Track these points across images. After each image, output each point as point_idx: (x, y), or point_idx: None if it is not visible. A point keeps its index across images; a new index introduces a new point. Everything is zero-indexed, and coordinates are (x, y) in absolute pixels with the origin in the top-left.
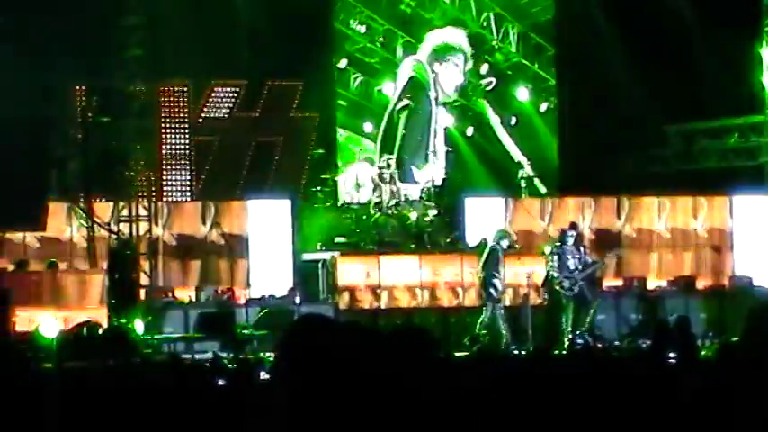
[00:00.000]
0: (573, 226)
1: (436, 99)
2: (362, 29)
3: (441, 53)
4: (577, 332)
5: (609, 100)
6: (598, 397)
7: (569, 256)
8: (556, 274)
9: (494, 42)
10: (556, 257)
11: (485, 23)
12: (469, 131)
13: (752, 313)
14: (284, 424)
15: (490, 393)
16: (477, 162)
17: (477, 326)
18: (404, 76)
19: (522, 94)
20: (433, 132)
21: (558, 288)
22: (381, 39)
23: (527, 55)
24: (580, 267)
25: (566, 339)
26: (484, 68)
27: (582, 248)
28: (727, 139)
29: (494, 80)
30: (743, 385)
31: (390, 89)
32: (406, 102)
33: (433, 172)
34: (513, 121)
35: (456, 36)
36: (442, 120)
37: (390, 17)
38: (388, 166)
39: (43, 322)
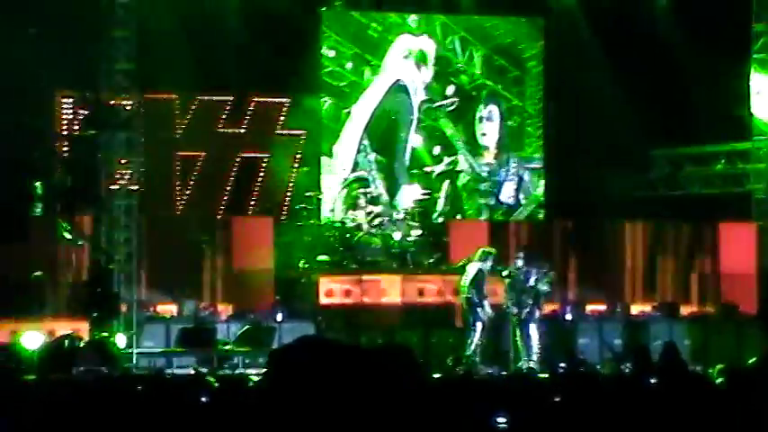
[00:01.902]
0: (524, 248)
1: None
2: (331, 53)
3: (418, 60)
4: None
5: (595, 124)
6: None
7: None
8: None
9: (458, 65)
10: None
11: (450, 46)
12: (436, 150)
13: None
14: None
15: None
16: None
17: (466, 347)
18: (389, 76)
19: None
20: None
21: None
22: (349, 63)
23: (491, 76)
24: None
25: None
26: (450, 90)
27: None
28: (714, 166)
29: (457, 101)
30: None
31: (358, 112)
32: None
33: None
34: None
35: (428, 46)
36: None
37: (356, 41)
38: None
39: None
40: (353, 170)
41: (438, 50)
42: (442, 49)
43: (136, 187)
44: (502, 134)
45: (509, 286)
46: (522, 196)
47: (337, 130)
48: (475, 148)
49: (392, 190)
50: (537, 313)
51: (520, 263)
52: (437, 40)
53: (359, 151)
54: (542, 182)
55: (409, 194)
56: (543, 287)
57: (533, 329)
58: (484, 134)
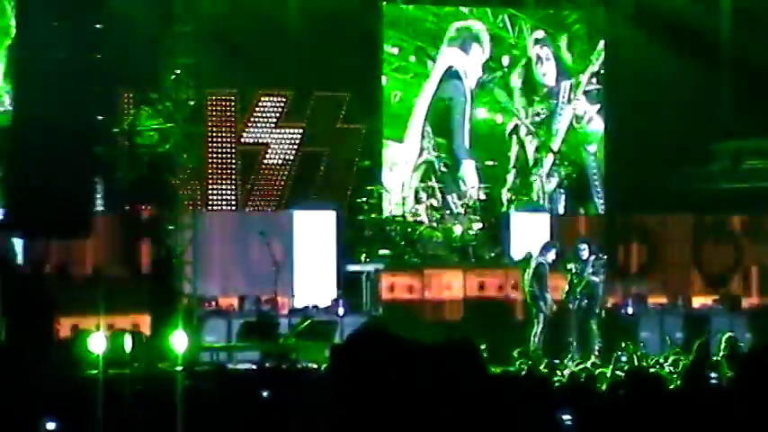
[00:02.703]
0: (583, 241)
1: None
2: (395, 50)
3: (469, 41)
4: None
5: (655, 117)
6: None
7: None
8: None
9: (510, 41)
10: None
11: (500, 24)
12: (499, 119)
13: None
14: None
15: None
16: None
17: (531, 341)
18: (443, 64)
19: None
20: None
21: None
22: (413, 56)
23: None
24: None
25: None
26: (505, 60)
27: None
28: None
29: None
30: None
31: (420, 102)
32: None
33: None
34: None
35: (478, 26)
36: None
37: (417, 35)
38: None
39: (93, 337)
40: (419, 155)
41: (489, 29)
42: (493, 27)
43: (197, 182)
44: (559, 69)
45: (570, 281)
46: None
47: (407, 120)
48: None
49: (455, 167)
50: (596, 307)
51: (585, 255)
52: (487, 21)
53: (422, 137)
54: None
55: (470, 171)
56: (594, 278)
57: (593, 324)
58: (544, 74)
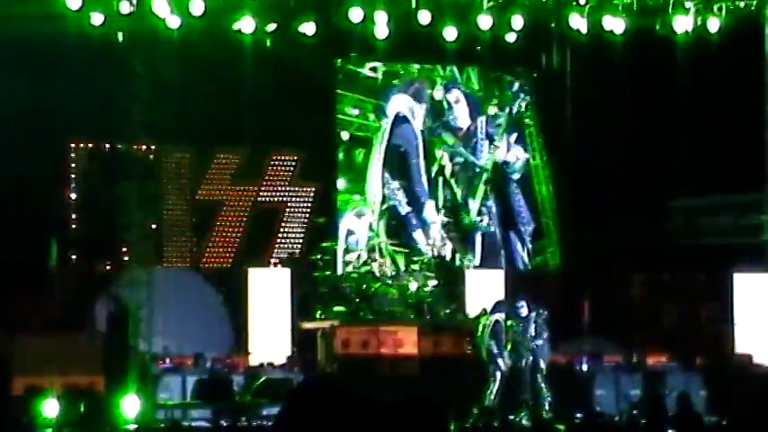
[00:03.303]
0: (521, 298)
1: None
2: (355, 111)
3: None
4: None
5: (607, 174)
6: None
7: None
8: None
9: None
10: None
11: (449, 74)
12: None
13: None
14: None
15: None
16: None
17: (487, 398)
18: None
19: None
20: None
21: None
22: (372, 115)
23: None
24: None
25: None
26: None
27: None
28: (728, 217)
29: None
30: None
31: (376, 153)
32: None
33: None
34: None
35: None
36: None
37: (371, 93)
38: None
39: (46, 402)
40: (383, 203)
41: (436, 83)
42: (441, 78)
43: (152, 238)
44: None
45: (514, 340)
46: None
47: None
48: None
49: (418, 209)
50: (541, 363)
51: (524, 312)
52: (435, 75)
53: (383, 185)
54: None
55: (432, 211)
56: (537, 341)
57: (540, 381)
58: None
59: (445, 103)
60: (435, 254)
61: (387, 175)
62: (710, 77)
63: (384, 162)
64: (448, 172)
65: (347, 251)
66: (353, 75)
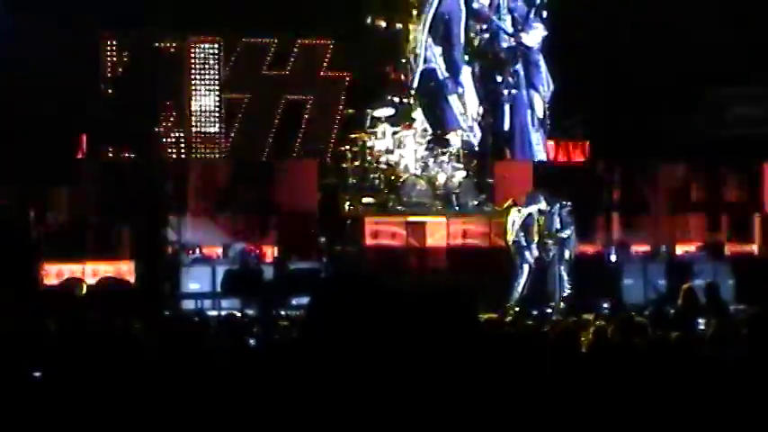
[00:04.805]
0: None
1: None
2: None
3: None
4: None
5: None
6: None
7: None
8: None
9: None
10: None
11: None
12: None
13: None
14: (315, 381)
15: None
16: None
17: (516, 290)
18: None
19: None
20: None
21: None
22: None
23: None
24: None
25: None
26: None
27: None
28: (761, 107)
29: None
30: None
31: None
32: None
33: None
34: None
35: None
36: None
37: None
38: None
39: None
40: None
41: None
42: None
43: (181, 130)
44: None
45: (540, 232)
46: None
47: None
48: None
49: (455, 73)
50: (566, 254)
51: (543, 206)
52: None
53: (425, 48)
54: None
55: (468, 79)
56: (563, 234)
57: (562, 270)
58: None
59: None
60: (463, 142)
61: (429, 39)
62: None
63: (429, 28)
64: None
65: None
66: None
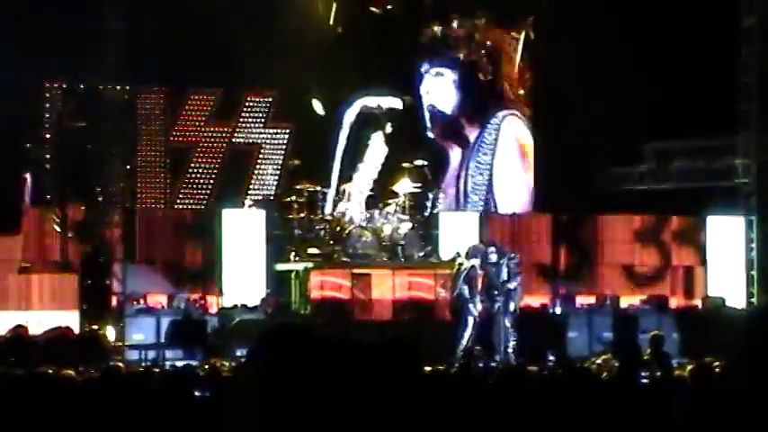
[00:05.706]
0: (491, 243)
1: None
2: None
3: None
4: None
5: (583, 118)
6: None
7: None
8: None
9: None
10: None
11: None
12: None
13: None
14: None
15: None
16: None
17: (460, 342)
18: None
19: None
20: None
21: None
22: None
23: None
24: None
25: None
26: None
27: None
28: (702, 160)
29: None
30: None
31: None
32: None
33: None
34: None
35: None
36: None
37: None
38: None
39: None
40: None
41: None
42: None
43: (126, 179)
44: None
45: (486, 284)
46: None
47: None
48: None
49: None
50: (511, 306)
51: (494, 258)
52: None
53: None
54: None
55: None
56: (509, 285)
57: (507, 322)
58: None
59: None
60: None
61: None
62: (684, 22)
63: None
64: None
65: None
66: None
